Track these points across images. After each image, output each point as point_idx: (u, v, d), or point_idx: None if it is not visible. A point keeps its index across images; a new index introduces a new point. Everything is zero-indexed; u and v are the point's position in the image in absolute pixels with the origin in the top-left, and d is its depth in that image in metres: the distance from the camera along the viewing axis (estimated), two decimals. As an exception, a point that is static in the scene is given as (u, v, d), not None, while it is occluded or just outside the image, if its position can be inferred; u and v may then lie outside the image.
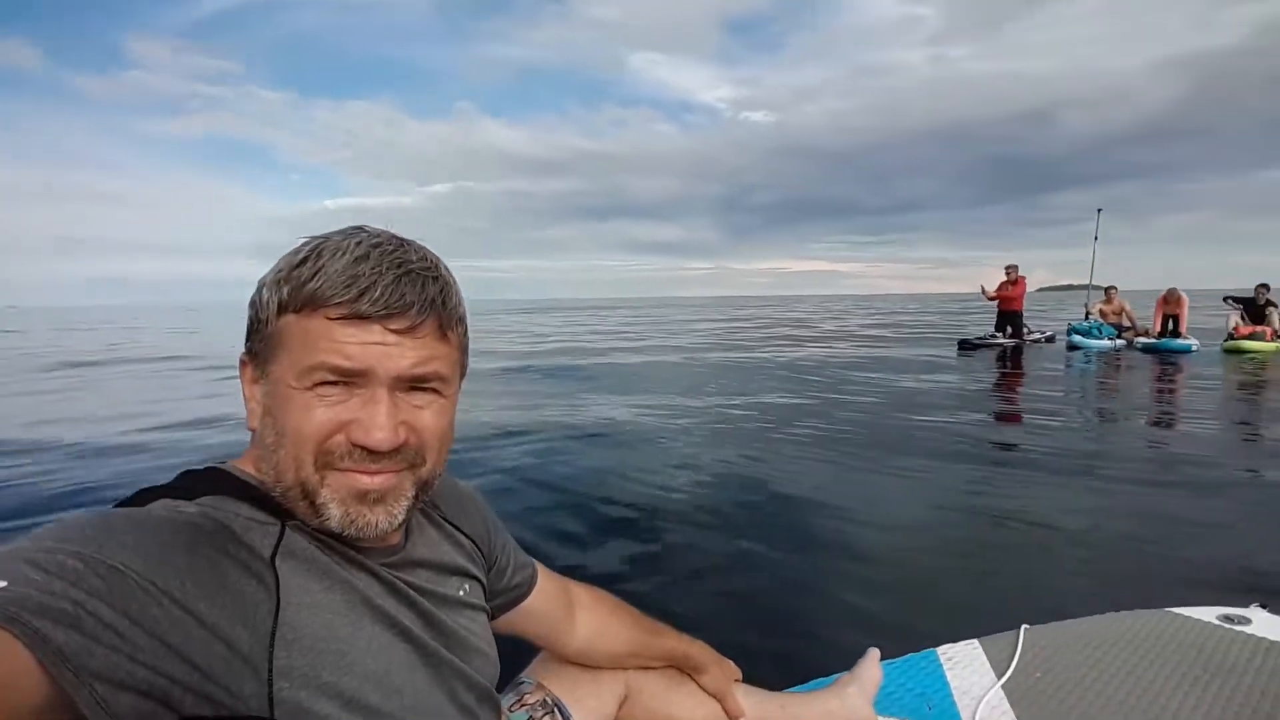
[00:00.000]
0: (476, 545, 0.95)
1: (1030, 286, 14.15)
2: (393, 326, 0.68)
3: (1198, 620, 1.74)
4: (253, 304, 0.72)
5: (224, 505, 0.68)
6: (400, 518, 0.73)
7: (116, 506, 0.65)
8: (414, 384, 0.71)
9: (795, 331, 20.74)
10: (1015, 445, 5.35)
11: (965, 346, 13.68)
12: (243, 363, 0.75)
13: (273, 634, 0.61)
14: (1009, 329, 13.85)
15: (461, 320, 0.76)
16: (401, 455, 0.71)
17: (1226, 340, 12.08)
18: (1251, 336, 11.86)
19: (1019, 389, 8.69)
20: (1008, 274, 13.94)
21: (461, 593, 0.88)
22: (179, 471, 0.72)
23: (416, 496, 0.75)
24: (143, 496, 0.66)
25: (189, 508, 0.65)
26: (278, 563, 0.66)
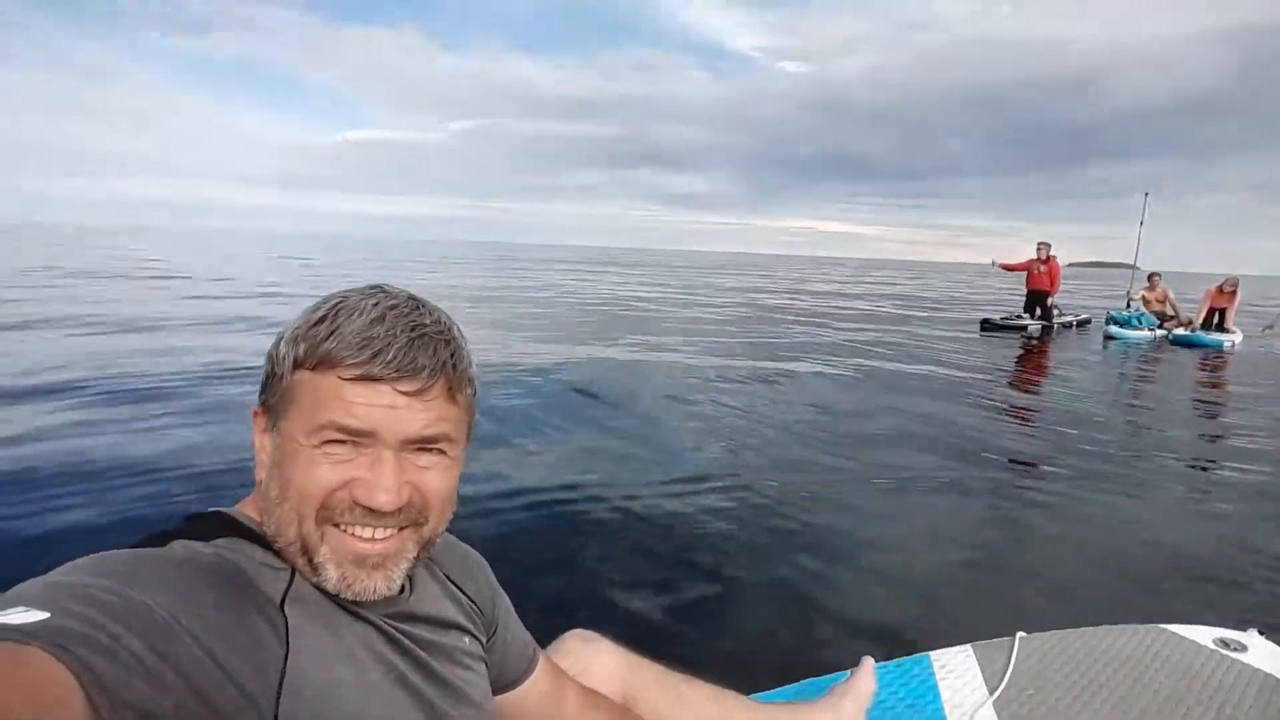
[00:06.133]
0: (477, 606, 0.96)
1: (1060, 261, 13.50)
2: (403, 389, 0.70)
3: (1193, 642, 1.74)
4: (270, 357, 0.74)
5: (238, 548, 0.70)
6: (398, 581, 0.75)
7: (133, 546, 0.66)
8: (421, 445, 0.73)
9: (808, 303, 19.59)
10: (1027, 445, 5.25)
11: (988, 327, 13.27)
12: (256, 413, 0.77)
13: (281, 681, 0.63)
14: (1037, 310, 13.38)
15: (471, 382, 0.78)
16: (404, 515, 0.73)
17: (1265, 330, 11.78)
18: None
19: (1041, 381, 8.42)
20: (1039, 252, 13.38)
21: (462, 644, 0.89)
22: (187, 516, 0.74)
23: (417, 556, 0.77)
24: (155, 540, 0.68)
25: (206, 549, 0.68)
26: (287, 608, 0.68)
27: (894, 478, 4.23)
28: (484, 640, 0.96)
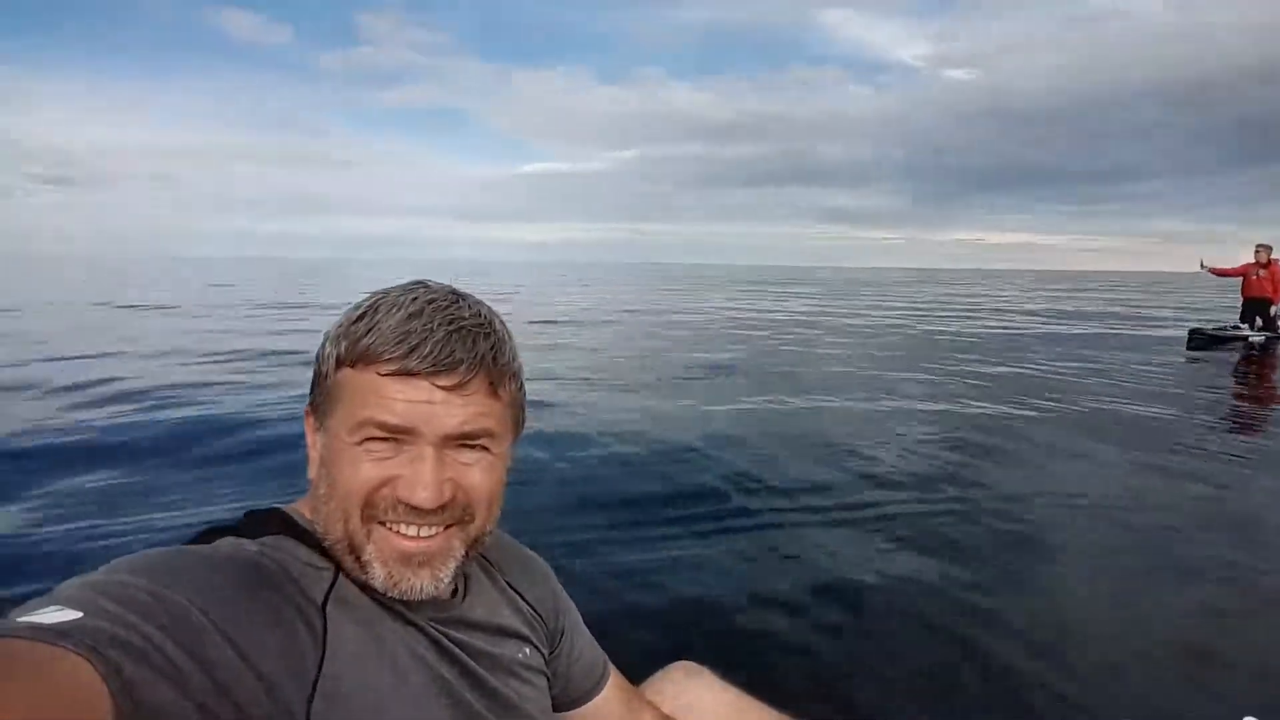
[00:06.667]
0: (539, 614, 0.92)
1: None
2: (441, 384, 0.68)
3: None
4: (316, 356, 0.74)
5: (284, 546, 0.70)
6: (446, 580, 0.73)
7: (188, 542, 0.69)
8: (462, 441, 0.71)
9: (995, 324, 16.57)
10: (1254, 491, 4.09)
11: (1197, 340, 11.34)
12: (307, 412, 0.77)
13: (315, 683, 0.62)
14: (1258, 320, 11.60)
15: (515, 376, 0.76)
16: (448, 513, 0.71)
17: None
18: None
19: (1272, 406, 6.85)
20: (1257, 255, 11.68)
21: (520, 655, 0.85)
22: (246, 511, 0.76)
23: (466, 555, 0.75)
24: (208, 535, 0.70)
25: (251, 547, 0.68)
26: (329, 609, 0.68)
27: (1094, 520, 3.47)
28: (545, 652, 0.92)
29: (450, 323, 0.70)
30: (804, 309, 20.04)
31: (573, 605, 1.01)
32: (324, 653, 0.64)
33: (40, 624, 0.49)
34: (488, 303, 0.78)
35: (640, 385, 7.14)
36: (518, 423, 0.79)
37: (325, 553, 0.72)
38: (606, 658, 1.05)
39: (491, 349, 0.72)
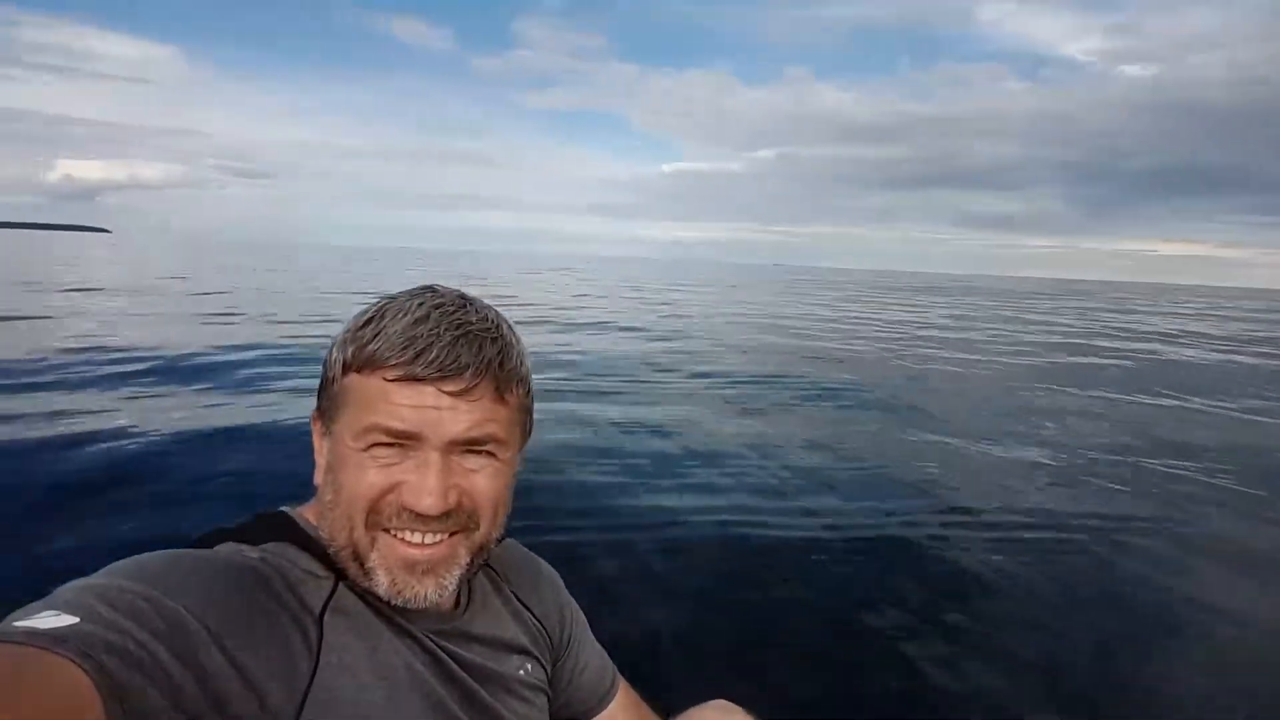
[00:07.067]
0: (544, 628, 0.90)
1: None
2: (447, 389, 0.67)
3: None
4: (324, 361, 0.74)
5: (285, 553, 0.70)
6: (451, 588, 0.72)
7: (192, 544, 0.69)
8: (469, 447, 0.70)
9: (1184, 348, 13.87)
10: None
11: None
12: (314, 417, 0.76)
13: (306, 693, 0.62)
14: None
15: (522, 381, 0.74)
16: (453, 519, 0.70)
17: None
18: None
19: None
20: None
21: (521, 672, 0.84)
22: (254, 513, 0.76)
23: (471, 563, 0.74)
24: (213, 537, 0.71)
25: (252, 553, 0.68)
26: (326, 618, 0.67)
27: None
28: (548, 665, 0.90)
29: (457, 327, 0.69)
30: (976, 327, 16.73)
31: (581, 614, 0.98)
32: (317, 663, 0.64)
33: (35, 629, 0.50)
34: (496, 307, 0.77)
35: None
36: (525, 429, 0.78)
37: (327, 561, 0.72)
38: (616, 670, 1.01)
39: (498, 354, 0.70)
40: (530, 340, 0.83)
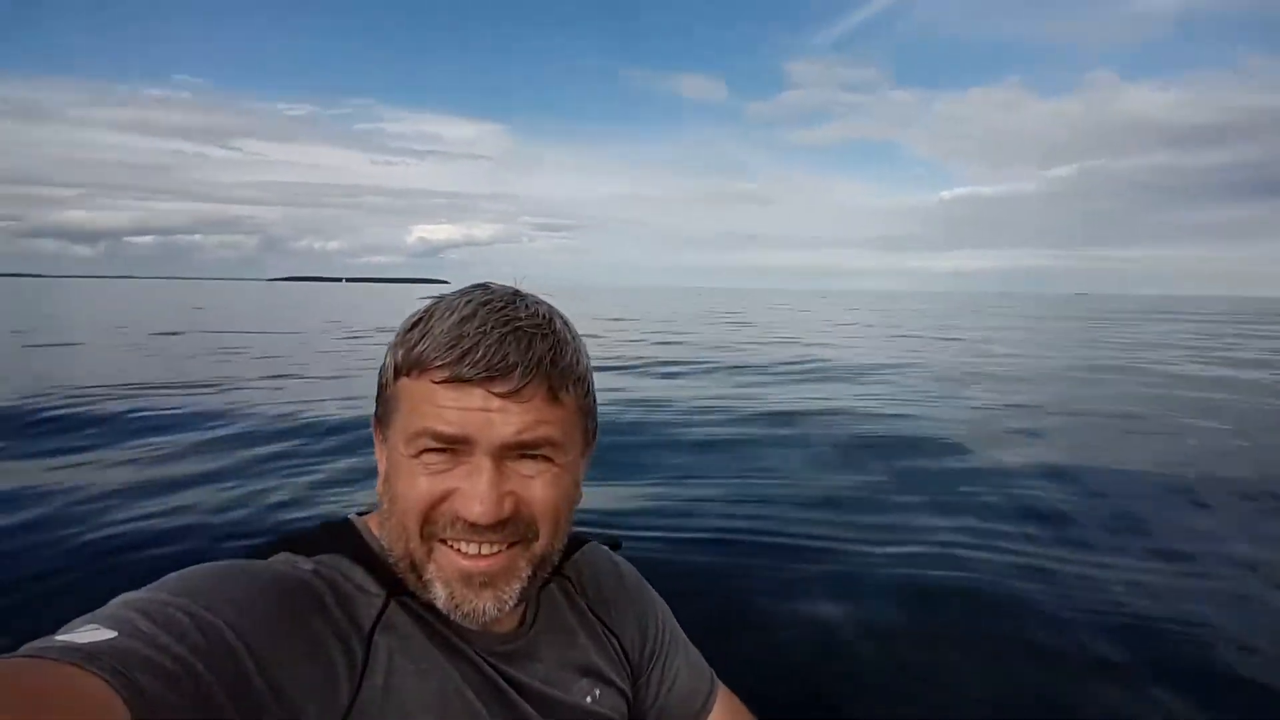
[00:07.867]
0: (621, 645, 0.82)
1: None
2: (496, 390, 0.63)
3: None
4: (380, 368, 0.72)
5: (339, 566, 0.68)
6: (511, 602, 0.67)
7: (249, 554, 0.69)
8: (522, 451, 0.65)
9: None
10: None
11: None
12: (374, 425, 0.74)
13: (346, 716, 0.60)
14: None
15: (580, 380, 0.68)
16: (509, 529, 0.65)
17: None
18: None
19: None
20: None
21: (588, 699, 0.76)
22: (320, 520, 0.76)
23: (533, 575, 0.68)
24: (275, 546, 0.70)
25: (305, 565, 0.67)
26: (375, 636, 0.65)
27: None
28: (627, 687, 0.81)
29: (505, 324, 0.64)
30: None
31: (671, 621, 0.89)
32: (360, 685, 0.61)
33: (72, 644, 0.49)
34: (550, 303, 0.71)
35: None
36: (587, 432, 0.71)
37: (380, 575, 0.69)
38: (714, 678, 0.91)
39: (550, 351, 0.65)
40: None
